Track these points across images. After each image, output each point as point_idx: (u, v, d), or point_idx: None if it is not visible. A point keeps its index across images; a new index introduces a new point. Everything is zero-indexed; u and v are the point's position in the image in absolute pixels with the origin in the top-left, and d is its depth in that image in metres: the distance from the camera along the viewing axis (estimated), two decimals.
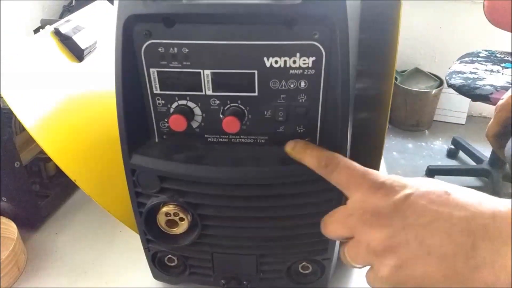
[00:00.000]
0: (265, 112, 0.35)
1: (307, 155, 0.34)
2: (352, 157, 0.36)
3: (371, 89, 0.42)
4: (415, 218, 0.28)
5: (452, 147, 2.03)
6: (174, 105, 0.36)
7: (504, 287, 0.25)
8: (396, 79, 2.21)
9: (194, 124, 0.36)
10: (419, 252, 0.27)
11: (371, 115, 0.43)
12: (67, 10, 1.82)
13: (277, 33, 0.31)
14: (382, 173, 0.31)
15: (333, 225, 0.32)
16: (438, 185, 0.29)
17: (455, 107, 2.23)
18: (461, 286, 0.27)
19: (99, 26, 0.59)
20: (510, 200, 0.27)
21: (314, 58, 0.32)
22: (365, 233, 0.30)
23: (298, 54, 0.32)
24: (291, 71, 0.33)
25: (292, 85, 0.33)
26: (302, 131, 0.36)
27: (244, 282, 0.44)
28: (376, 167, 0.43)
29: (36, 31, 0.69)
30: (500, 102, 0.63)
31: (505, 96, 0.62)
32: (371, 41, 0.38)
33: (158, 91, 0.35)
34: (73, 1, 1.82)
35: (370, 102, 0.42)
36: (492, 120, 0.62)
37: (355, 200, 0.31)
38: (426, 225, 0.27)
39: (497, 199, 0.28)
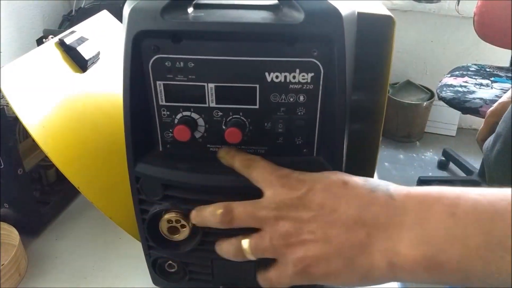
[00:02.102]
0: (266, 124, 0.37)
1: (235, 160, 0.36)
2: (347, 167, 0.38)
3: (366, 101, 0.44)
4: (318, 210, 0.30)
5: (443, 158, 2.06)
6: (179, 116, 0.37)
7: (399, 269, 0.28)
8: (388, 91, 2.24)
9: (197, 135, 0.38)
10: (322, 243, 0.30)
11: (366, 127, 0.45)
12: (67, 19, 1.84)
13: (278, 50, 0.33)
14: (292, 170, 0.33)
15: (243, 216, 0.34)
16: (338, 176, 0.32)
17: (445, 119, 2.27)
18: (361, 275, 0.29)
19: (102, 37, 0.60)
20: (402, 186, 0.30)
21: (312, 74, 0.34)
22: (273, 225, 0.32)
23: (297, 70, 0.34)
24: (290, 86, 0.35)
25: (291, 99, 0.35)
26: (300, 142, 0.38)
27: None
28: (370, 176, 0.45)
29: (38, 41, 0.70)
30: (490, 108, 0.67)
31: (496, 103, 0.66)
32: (366, 56, 0.40)
33: (164, 103, 0.37)
34: (73, 11, 1.84)
35: (365, 114, 0.44)
36: (482, 125, 0.67)
37: (267, 196, 0.33)
38: (327, 216, 0.30)
39: (391, 185, 0.30)
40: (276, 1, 0.34)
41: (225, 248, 0.36)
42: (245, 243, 0.34)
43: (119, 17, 0.66)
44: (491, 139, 0.58)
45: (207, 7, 0.35)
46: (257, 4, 0.35)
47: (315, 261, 0.30)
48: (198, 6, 0.35)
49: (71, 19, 1.88)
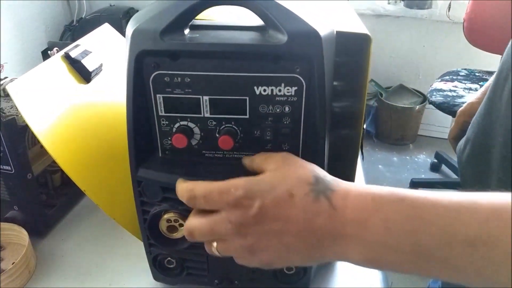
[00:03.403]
0: (255, 132, 0.41)
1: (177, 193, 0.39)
2: (329, 169, 0.42)
3: (346, 109, 0.48)
4: (270, 225, 0.34)
5: (435, 160, 2.11)
6: (177, 125, 0.41)
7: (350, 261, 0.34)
8: (381, 95, 2.29)
9: (194, 142, 0.42)
10: (279, 251, 0.35)
11: (347, 132, 0.49)
12: (68, 29, 1.88)
13: (265, 67, 0.37)
14: (236, 186, 0.35)
15: (205, 233, 0.37)
16: (282, 187, 0.34)
17: (438, 122, 2.32)
18: (316, 262, 0.36)
19: (104, 50, 0.64)
20: (342, 187, 0.34)
21: (296, 88, 0.38)
22: (234, 240, 0.36)
23: (283, 84, 0.38)
24: (277, 98, 0.39)
25: (278, 110, 0.39)
26: (286, 148, 0.42)
27: (236, 282, 0.49)
28: (351, 178, 0.49)
29: (43, 52, 0.74)
30: (460, 108, 0.71)
31: (465, 103, 0.70)
32: (346, 69, 0.44)
33: (163, 113, 0.41)
34: (74, 21, 1.88)
35: (345, 121, 0.48)
36: (453, 124, 0.71)
37: (222, 218, 0.36)
38: (280, 228, 0.34)
39: (332, 186, 0.34)
40: (263, 23, 0.38)
41: (206, 248, 0.40)
42: (215, 245, 0.38)
43: (118, 28, 0.71)
44: (463, 141, 0.62)
45: (202, 28, 0.39)
46: (246, 26, 0.39)
47: (276, 261, 0.36)
48: (193, 28, 0.39)
49: (72, 29, 1.93)
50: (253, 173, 0.38)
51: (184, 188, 0.38)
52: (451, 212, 0.30)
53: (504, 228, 0.28)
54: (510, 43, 0.53)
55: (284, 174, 0.35)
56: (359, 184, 0.35)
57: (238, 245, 0.36)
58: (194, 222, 0.37)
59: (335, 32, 0.40)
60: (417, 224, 0.30)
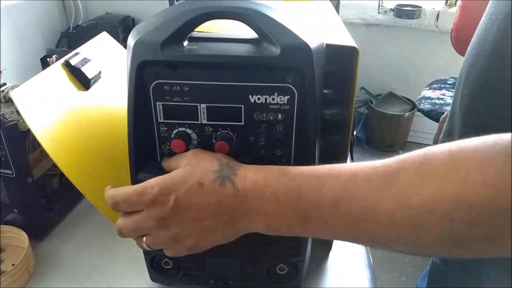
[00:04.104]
0: (250, 138, 0.43)
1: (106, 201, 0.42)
2: None
3: (335, 115, 0.51)
4: (187, 214, 0.39)
5: None
6: (175, 131, 0.43)
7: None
8: (371, 102, 2.33)
9: (191, 147, 0.44)
10: (200, 234, 0.39)
11: (336, 137, 0.51)
12: (65, 36, 1.89)
13: (259, 77, 0.40)
14: (152, 186, 0.39)
15: (129, 230, 0.41)
16: (194, 178, 0.39)
17: (427, 129, 2.36)
18: (234, 236, 0.40)
19: (102, 57, 0.67)
20: (244, 170, 0.39)
21: (288, 97, 0.40)
22: (158, 232, 0.40)
23: (276, 93, 0.40)
24: (270, 106, 0.41)
25: (271, 117, 0.42)
26: (279, 153, 0.44)
27: (230, 282, 0.51)
28: None
29: (42, 59, 0.76)
30: (443, 115, 0.75)
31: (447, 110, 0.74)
32: (335, 79, 0.47)
33: (162, 120, 0.43)
34: (71, 28, 1.90)
35: (334, 127, 0.50)
36: (437, 128, 0.75)
37: (144, 215, 0.40)
38: (197, 215, 0.39)
39: (235, 171, 0.39)
40: (257, 36, 0.41)
41: (138, 244, 0.43)
42: (144, 240, 0.42)
43: (115, 36, 0.73)
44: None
45: (200, 40, 0.42)
46: (241, 38, 0.42)
47: (201, 243, 0.40)
48: (192, 40, 0.42)
49: (69, 36, 1.95)
50: None
51: (106, 196, 0.42)
52: (320, 180, 0.36)
53: (359, 187, 0.34)
54: (466, 53, 0.57)
55: (193, 167, 0.40)
56: (257, 165, 0.40)
57: (164, 237, 0.40)
58: (121, 222, 0.42)
59: (324, 45, 0.42)
60: (296, 193, 0.36)
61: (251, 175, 0.38)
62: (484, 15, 0.54)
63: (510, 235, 0.28)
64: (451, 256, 0.33)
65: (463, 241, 0.30)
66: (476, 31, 0.55)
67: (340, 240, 0.37)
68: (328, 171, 0.36)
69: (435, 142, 0.71)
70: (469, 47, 0.56)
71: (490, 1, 0.53)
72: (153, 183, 0.39)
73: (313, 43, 0.39)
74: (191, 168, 0.39)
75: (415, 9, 2.16)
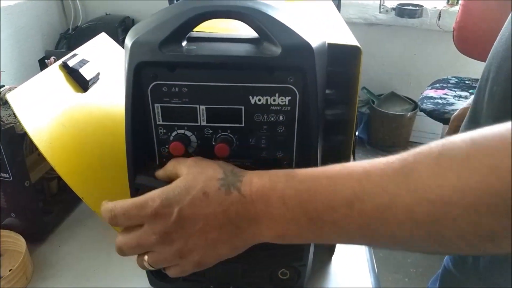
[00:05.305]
0: (250, 140, 0.42)
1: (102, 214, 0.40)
2: None
3: (338, 115, 0.50)
4: (192, 227, 0.36)
5: None
6: (174, 133, 0.42)
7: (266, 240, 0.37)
8: (373, 102, 2.32)
9: (190, 150, 0.43)
10: (206, 247, 0.37)
11: (339, 138, 0.50)
12: (64, 37, 1.89)
13: (260, 78, 0.39)
14: (153, 198, 0.37)
15: (134, 246, 0.39)
16: (198, 186, 0.37)
17: (429, 129, 2.35)
18: (240, 248, 0.38)
19: (100, 59, 0.66)
20: (249, 176, 0.37)
21: (290, 98, 0.39)
22: (161, 249, 0.38)
23: (277, 94, 0.39)
24: (271, 107, 0.40)
25: (272, 119, 0.41)
26: (281, 155, 0.43)
27: (231, 287, 0.50)
28: None
29: (41, 61, 0.75)
30: (454, 114, 0.74)
31: (459, 109, 0.74)
32: (338, 79, 0.46)
33: (161, 122, 0.42)
34: (70, 29, 1.90)
35: (337, 127, 0.49)
36: (448, 129, 0.74)
37: (146, 230, 0.38)
38: (202, 227, 0.36)
39: (241, 177, 0.37)
40: (257, 35, 0.40)
41: (138, 263, 0.41)
42: (146, 259, 0.39)
43: (114, 37, 0.72)
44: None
45: (199, 40, 0.41)
46: (241, 38, 0.41)
47: (207, 258, 0.38)
48: (191, 40, 0.41)
49: (68, 37, 1.94)
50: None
51: (104, 210, 0.39)
52: (332, 180, 0.34)
53: (374, 184, 0.31)
54: (492, 49, 0.55)
55: (195, 175, 0.38)
56: (262, 170, 0.38)
57: (167, 253, 0.38)
58: (121, 239, 0.39)
59: (327, 44, 0.41)
60: (306, 196, 0.34)
61: (257, 180, 0.36)
62: None
63: None
64: (480, 253, 0.30)
65: (491, 235, 0.27)
66: (505, 25, 0.52)
67: (355, 244, 0.35)
68: (339, 170, 0.34)
69: None
70: (496, 42, 0.54)
71: None
72: (153, 195, 0.37)
73: (315, 43, 0.38)
74: (193, 177, 0.37)
75: (417, 8, 2.15)
